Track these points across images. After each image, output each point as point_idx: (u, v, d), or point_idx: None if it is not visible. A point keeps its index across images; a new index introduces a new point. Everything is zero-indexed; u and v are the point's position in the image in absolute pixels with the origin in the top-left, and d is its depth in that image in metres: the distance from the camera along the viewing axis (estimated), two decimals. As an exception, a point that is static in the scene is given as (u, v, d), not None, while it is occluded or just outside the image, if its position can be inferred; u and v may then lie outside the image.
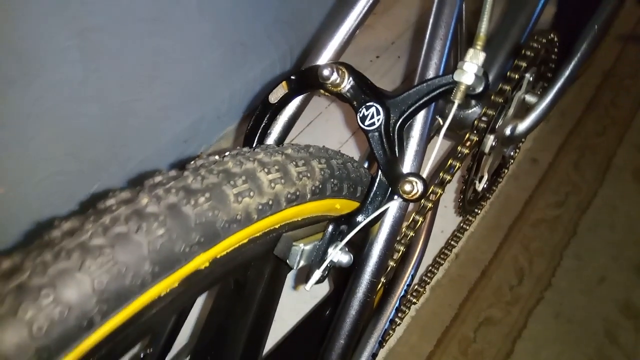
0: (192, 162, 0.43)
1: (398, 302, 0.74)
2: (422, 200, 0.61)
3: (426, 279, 0.93)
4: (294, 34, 1.34)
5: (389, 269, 0.64)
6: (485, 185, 0.91)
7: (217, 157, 0.44)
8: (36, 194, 0.94)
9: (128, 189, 0.39)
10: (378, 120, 0.50)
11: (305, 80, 0.55)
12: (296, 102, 0.59)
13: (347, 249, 0.51)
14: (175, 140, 1.20)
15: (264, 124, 0.59)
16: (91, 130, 1.00)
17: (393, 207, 0.53)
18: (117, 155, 1.08)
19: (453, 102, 0.52)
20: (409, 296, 0.85)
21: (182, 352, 0.70)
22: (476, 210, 1.02)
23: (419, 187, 0.48)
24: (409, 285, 0.78)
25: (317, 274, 0.48)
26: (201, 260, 0.40)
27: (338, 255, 0.49)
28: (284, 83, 0.57)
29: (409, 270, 0.74)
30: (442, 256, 0.99)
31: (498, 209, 1.27)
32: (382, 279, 0.65)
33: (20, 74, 0.81)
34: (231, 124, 1.34)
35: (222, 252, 0.41)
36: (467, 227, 1.04)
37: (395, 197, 0.51)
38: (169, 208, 0.37)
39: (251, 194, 0.42)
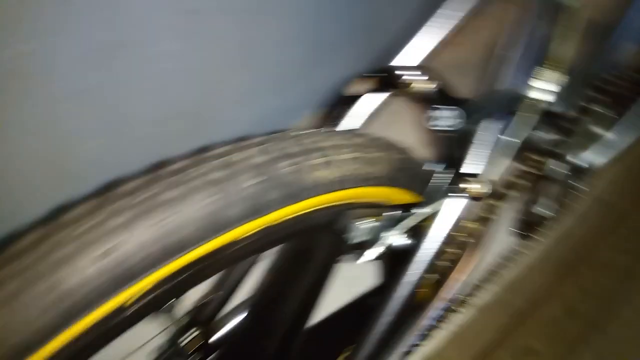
0: (290, 131, 0.49)
1: (443, 304, 0.78)
2: (478, 210, 0.64)
3: (474, 293, 0.95)
4: (373, 37, 1.41)
5: (438, 266, 0.68)
6: (545, 212, 0.92)
7: (308, 131, 0.50)
8: (129, 149, 1.06)
9: (230, 143, 0.47)
10: (449, 122, 0.54)
11: (382, 78, 0.60)
12: (369, 98, 0.65)
13: (403, 236, 0.55)
14: (249, 126, 1.30)
15: (338, 116, 0.66)
16: (178, 102, 1.11)
17: (450, 204, 0.57)
18: (197, 130, 1.18)
19: (520, 117, 0.56)
20: (454, 303, 0.87)
21: (241, 306, 0.77)
22: (534, 236, 1.03)
23: (478, 187, 0.52)
24: (455, 292, 0.81)
25: (372, 251, 0.54)
26: (280, 214, 0.46)
27: (395, 238, 0.54)
28: (361, 79, 0.63)
29: (459, 275, 0.77)
30: (493, 276, 1.01)
31: (558, 241, 1.25)
32: (431, 276, 0.69)
33: (123, 43, 0.93)
34: (304, 117, 1.42)
35: (297, 212, 0.48)
36: (524, 253, 1.04)
37: (454, 194, 0.55)
38: (270, 162, 0.44)
39: (328, 167, 0.48)
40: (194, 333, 0.73)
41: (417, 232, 0.60)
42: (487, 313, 1.15)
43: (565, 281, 1.21)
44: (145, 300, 0.41)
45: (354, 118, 0.63)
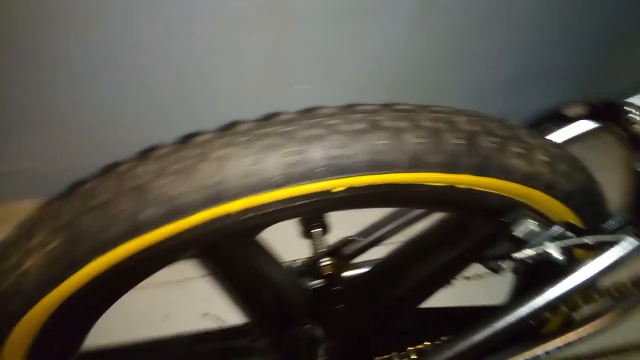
0: (501, 117, 0.55)
1: (560, 346, 0.77)
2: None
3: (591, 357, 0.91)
4: (600, 75, 1.37)
5: (576, 306, 0.68)
6: None
7: (517, 124, 0.56)
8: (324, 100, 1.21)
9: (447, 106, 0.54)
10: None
11: (605, 109, 0.62)
12: (583, 124, 0.67)
13: (559, 252, 0.58)
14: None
15: (545, 130, 0.69)
16: (380, 75, 1.22)
17: (621, 244, 0.58)
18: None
19: None
20: (568, 355, 0.86)
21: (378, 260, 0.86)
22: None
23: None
24: (576, 343, 0.79)
25: (529, 251, 0.58)
26: (465, 179, 0.52)
27: (553, 250, 0.58)
28: (581, 103, 0.65)
29: (591, 328, 0.75)
30: (618, 353, 0.95)
31: None
32: (565, 310, 0.70)
33: (357, 12, 1.05)
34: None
35: (479, 185, 0.54)
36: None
37: (630, 233, 0.56)
38: (476, 132, 0.51)
39: (523, 160, 0.53)
40: (331, 261, 0.84)
41: (573, 258, 0.62)
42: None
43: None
44: (341, 195, 0.50)
45: (560, 135, 0.66)
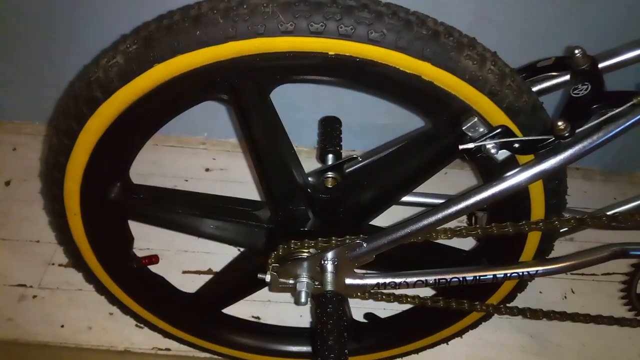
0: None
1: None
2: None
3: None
4: None
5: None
6: None
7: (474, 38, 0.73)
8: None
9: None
10: (582, 95, 0.70)
11: (560, 62, 0.79)
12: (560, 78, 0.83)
13: (499, 149, 0.73)
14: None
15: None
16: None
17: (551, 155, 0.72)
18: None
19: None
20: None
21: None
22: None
23: (569, 130, 0.67)
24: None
25: (470, 144, 0.73)
26: (424, 69, 0.70)
27: (492, 145, 0.73)
28: (552, 58, 0.81)
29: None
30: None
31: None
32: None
33: None
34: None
35: (436, 80, 0.70)
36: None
37: (550, 137, 0.70)
38: (437, 31, 0.69)
39: (474, 62, 0.69)
40: (332, 175, 1.00)
41: (511, 163, 0.76)
42: None
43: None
44: (333, 63, 0.69)
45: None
